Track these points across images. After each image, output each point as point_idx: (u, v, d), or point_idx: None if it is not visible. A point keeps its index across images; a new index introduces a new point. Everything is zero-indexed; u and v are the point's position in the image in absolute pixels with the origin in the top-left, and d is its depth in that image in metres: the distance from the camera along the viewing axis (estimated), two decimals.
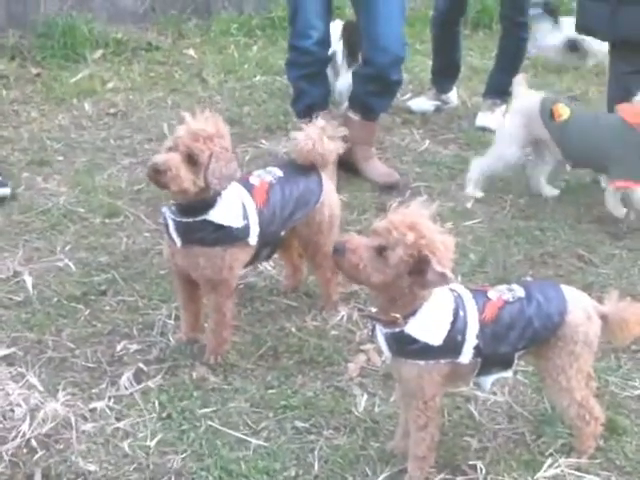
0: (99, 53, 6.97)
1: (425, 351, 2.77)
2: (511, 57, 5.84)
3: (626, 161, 4.55)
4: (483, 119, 5.88)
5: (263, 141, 5.61)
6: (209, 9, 7.81)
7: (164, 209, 3.41)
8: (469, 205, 4.89)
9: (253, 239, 3.46)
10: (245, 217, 3.41)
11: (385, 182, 5.06)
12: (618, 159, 4.55)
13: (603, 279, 4.19)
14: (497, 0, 6.09)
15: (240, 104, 6.19)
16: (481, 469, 3.03)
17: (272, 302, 3.97)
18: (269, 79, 6.65)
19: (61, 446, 3.09)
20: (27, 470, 3.00)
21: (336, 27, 5.67)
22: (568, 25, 6.22)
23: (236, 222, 3.38)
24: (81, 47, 6.89)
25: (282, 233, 3.64)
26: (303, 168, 3.67)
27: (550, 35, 6.80)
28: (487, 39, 7.70)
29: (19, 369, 3.46)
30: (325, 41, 5.08)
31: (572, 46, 6.75)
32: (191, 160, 3.22)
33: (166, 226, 3.41)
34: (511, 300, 2.89)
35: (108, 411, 3.27)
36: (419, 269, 2.64)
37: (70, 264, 4.18)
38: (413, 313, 2.75)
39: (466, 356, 2.83)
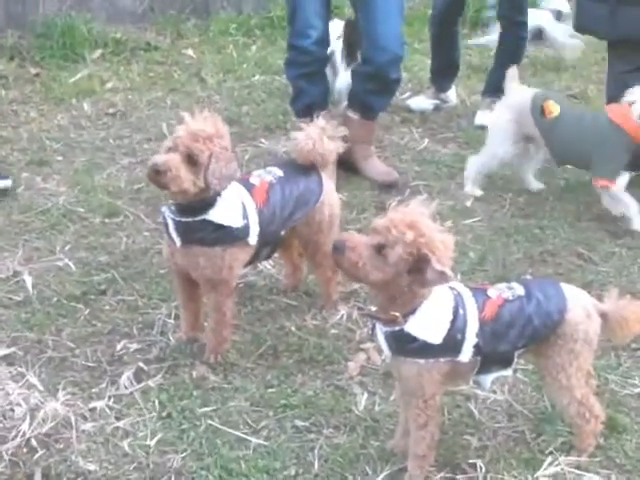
0: (98, 53, 6.97)
1: (425, 350, 2.77)
2: (510, 56, 5.83)
3: (610, 160, 4.55)
4: (482, 118, 5.87)
5: (262, 140, 5.61)
6: (208, 9, 7.81)
7: (164, 209, 3.41)
8: (468, 203, 4.89)
9: (253, 239, 3.46)
10: (245, 217, 3.41)
11: (384, 181, 5.06)
12: (602, 158, 4.55)
13: (603, 277, 4.20)
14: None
15: (239, 104, 6.19)
16: (481, 467, 3.03)
17: (272, 301, 3.98)
18: (268, 78, 6.65)
19: (61, 445, 3.09)
20: (27, 470, 3.00)
21: (335, 26, 5.67)
22: (533, 16, 6.38)
23: (236, 222, 3.38)
24: (80, 47, 6.89)
25: (282, 233, 3.64)
26: (303, 168, 3.67)
27: None
28: None
29: (19, 369, 3.46)
30: (324, 40, 5.08)
31: (537, 35, 6.89)
32: (191, 160, 3.22)
33: (166, 226, 3.41)
34: (511, 298, 2.89)
35: (108, 410, 3.28)
36: (418, 267, 2.64)
37: (70, 264, 4.19)
38: (413, 312, 2.75)
39: (466, 354, 2.83)
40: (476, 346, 2.82)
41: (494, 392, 3.39)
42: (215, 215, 3.34)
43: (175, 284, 3.64)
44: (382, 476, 3.00)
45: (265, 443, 3.14)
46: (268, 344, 3.66)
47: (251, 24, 7.72)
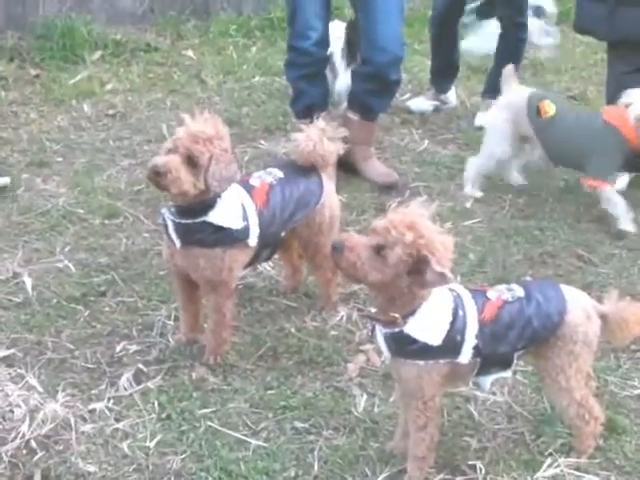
0: (98, 54, 6.96)
1: (424, 351, 2.77)
2: (509, 57, 5.82)
3: (603, 161, 4.55)
4: (482, 119, 5.87)
5: (262, 142, 5.60)
6: (208, 10, 7.81)
7: (163, 210, 3.42)
8: (468, 205, 4.89)
9: (253, 240, 3.46)
10: (245, 218, 3.41)
11: (384, 182, 5.06)
12: (597, 159, 4.55)
13: (602, 279, 4.19)
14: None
15: (239, 105, 6.19)
16: (480, 469, 3.03)
17: (271, 302, 3.97)
18: (268, 80, 6.65)
19: (60, 447, 3.09)
20: (27, 471, 3.00)
21: (334, 27, 5.67)
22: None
23: (236, 223, 3.38)
24: (80, 48, 6.88)
25: (282, 234, 3.64)
26: (303, 169, 3.67)
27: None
28: None
29: (19, 370, 3.46)
30: (324, 41, 5.08)
31: None
32: (191, 162, 3.22)
33: (165, 227, 3.41)
34: (510, 300, 2.90)
35: (107, 412, 3.27)
36: (418, 269, 2.64)
37: (69, 265, 4.18)
38: (412, 313, 2.75)
39: (465, 356, 2.83)
40: (476, 347, 2.82)
41: (494, 394, 3.39)
42: (215, 217, 3.33)
43: (175, 286, 3.64)
44: (381, 477, 3.00)
45: (265, 444, 3.14)
46: (268, 345, 3.66)
47: (251, 25, 7.71)
